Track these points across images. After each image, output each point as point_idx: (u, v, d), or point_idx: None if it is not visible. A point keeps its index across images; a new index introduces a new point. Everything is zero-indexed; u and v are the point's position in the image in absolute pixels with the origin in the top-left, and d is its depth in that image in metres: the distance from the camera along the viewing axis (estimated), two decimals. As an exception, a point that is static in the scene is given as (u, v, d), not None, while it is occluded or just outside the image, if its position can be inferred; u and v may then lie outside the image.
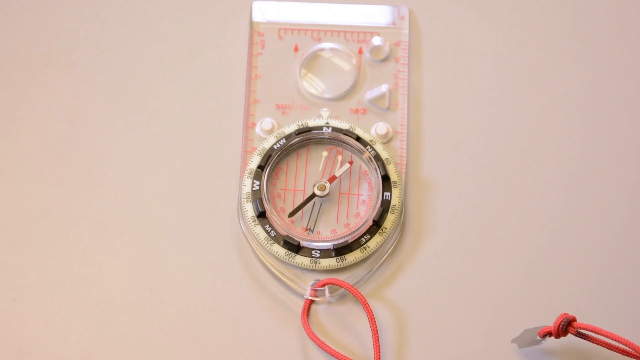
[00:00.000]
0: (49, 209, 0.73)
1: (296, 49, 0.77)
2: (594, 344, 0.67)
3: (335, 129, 0.74)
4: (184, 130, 0.76)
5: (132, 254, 0.72)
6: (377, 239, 0.71)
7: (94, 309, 0.70)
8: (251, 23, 0.78)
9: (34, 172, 0.74)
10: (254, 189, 0.72)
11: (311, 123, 0.74)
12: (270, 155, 0.73)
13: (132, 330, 0.70)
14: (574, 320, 0.66)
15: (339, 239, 0.71)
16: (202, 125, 0.76)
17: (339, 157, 0.74)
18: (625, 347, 0.65)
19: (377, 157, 0.73)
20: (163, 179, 0.74)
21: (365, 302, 0.69)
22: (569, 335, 0.67)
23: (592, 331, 0.66)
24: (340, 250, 0.71)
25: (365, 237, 0.71)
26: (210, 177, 0.74)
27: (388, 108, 0.76)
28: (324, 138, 0.74)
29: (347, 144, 0.74)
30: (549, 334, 0.67)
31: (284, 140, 0.73)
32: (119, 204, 0.74)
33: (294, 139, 0.73)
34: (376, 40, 0.77)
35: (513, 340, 0.69)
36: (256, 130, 0.75)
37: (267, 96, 0.76)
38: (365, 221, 0.71)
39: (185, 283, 0.71)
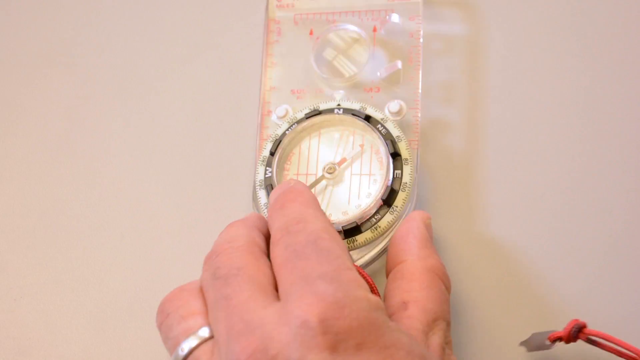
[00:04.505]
0: (49, 209, 0.73)
1: (311, 33, 0.75)
2: (602, 350, 0.62)
3: (346, 110, 0.70)
4: (201, 121, 0.75)
5: (132, 254, 0.71)
6: (387, 218, 0.66)
7: (94, 309, 0.69)
8: (267, 10, 0.76)
9: (34, 172, 0.74)
10: (266, 175, 0.69)
11: (322, 106, 0.71)
12: (280, 141, 0.70)
13: (132, 330, 0.68)
14: (585, 326, 0.62)
15: (348, 220, 0.67)
16: (220, 115, 0.75)
17: (351, 139, 0.70)
18: (635, 356, 0.61)
19: (388, 135, 0.68)
20: (179, 171, 0.73)
21: (373, 285, 0.64)
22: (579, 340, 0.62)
23: (603, 338, 0.61)
24: (350, 231, 0.67)
25: (375, 217, 0.67)
26: (227, 168, 0.73)
27: (402, 85, 0.71)
28: (334, 120, 0.70)
29: (358, 124, 0.70)
30: (559, 339, 0.62)
31: (295, 125, 0.70)
32: (120, 202, 0.73)
33: (303, 122, 0.70)
34: (390, 17, 0.73)
35: (521, 344, 0.64)
36: (272, 117, 0.73)
37: (283, 83, 0.74)
38: (375, 200, 0.67)
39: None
